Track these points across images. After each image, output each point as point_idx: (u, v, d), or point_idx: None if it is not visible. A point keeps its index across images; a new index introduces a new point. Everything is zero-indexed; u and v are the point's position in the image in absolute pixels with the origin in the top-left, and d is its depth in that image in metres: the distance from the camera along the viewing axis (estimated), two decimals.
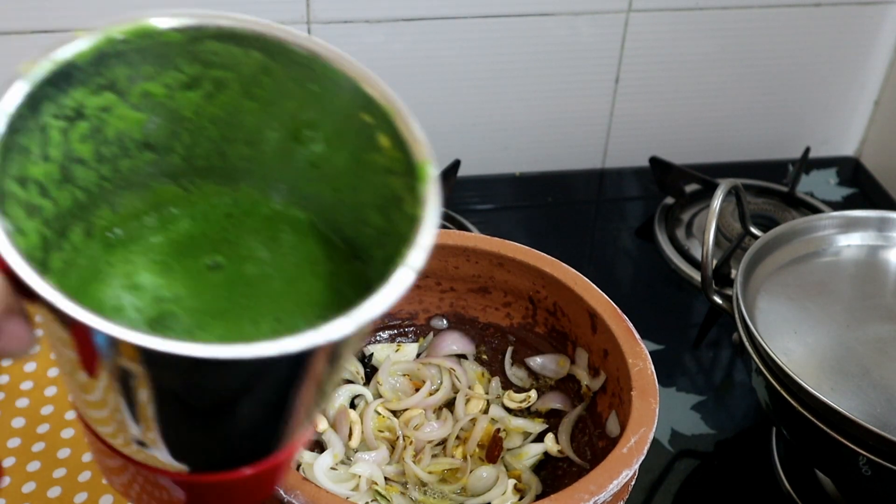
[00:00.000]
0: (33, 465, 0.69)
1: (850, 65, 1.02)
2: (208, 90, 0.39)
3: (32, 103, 0.33)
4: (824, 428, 0.57)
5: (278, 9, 0.86)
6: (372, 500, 0.58)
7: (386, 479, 0.60)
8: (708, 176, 0.95)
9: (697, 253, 0.90)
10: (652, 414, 0.53)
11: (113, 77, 0.36)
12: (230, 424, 0.35)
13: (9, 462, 0.69)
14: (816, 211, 0.95)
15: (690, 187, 0.97)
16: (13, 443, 0.70)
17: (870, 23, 0.99)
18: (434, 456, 0.61)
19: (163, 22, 0.36)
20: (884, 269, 0.71)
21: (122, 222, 0.40)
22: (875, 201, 1.01)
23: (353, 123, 0.39)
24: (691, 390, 0.77)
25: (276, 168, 0.42)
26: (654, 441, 0.63)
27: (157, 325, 0.37)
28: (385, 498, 0.58)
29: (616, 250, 0.93)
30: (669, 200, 0.97)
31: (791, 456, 0.71)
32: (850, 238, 0.72)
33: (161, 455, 0.35)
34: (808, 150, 0.99)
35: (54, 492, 0.67)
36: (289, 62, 0.39)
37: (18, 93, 0.33)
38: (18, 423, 0.72)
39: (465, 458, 0.61)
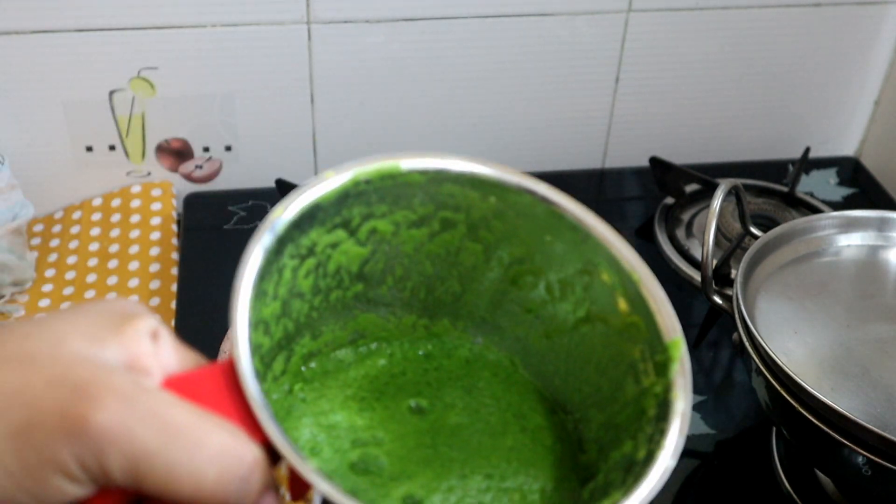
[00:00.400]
0: None
1: (850, 65, 1.02)
2: (434, 229, 0.39)
3: (279, 247, 0.33)
4: (824, 428, 0.57)
5: (278, 9, 0.86)
6: None
7: None
8: (708, 176, 0.95)
9: (697, 253, 0.90)
10: None
11: (349, 216, 0.37)
12: None
13: None
14: (816, 211, 0.94)
15: (690, 187, 0.97)
16: None
17: (870, 23, 0.99)
18: None
19: (407, 164, 0.36)
20: (884, 269, 0.71)
21: (321, 350, 0.39)
22: (875, 201, 1.01)
23: (585, 279, 0.38)
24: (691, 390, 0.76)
25: (485, 308, 0.41)
26: None
27: (358, 468, 0.36)
28: None
29: None
30: (669, 200, 0.97)
31: (791, 456, 0.71)
32: (850, 238, 0.72)
33: None
34: (808, 150, 0.99)
35: None
36: (524, 210, 0.38)
37: (270, 238, 0.33)
38: None
39: None
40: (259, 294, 0.32)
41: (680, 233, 0.93)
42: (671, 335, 0.36)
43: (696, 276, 0.87)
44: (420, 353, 0.42)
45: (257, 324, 0.33)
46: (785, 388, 0.59)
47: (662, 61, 0.98)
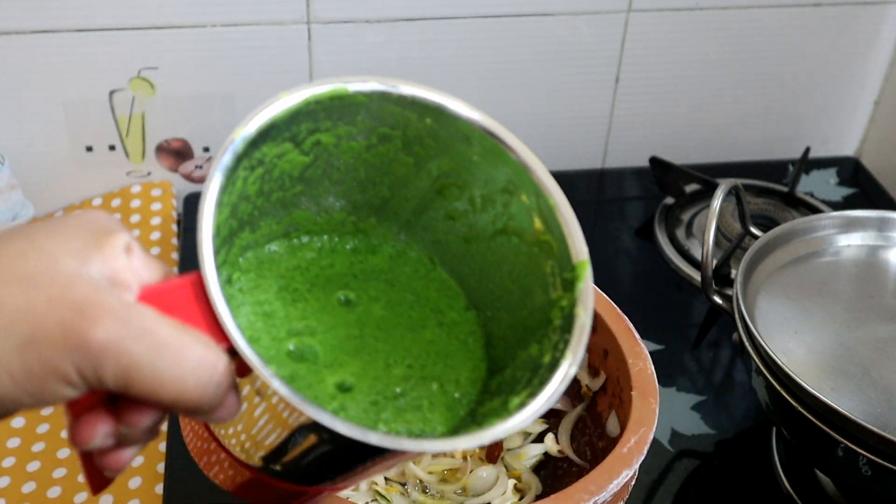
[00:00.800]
0: (33, 465, 0.69)
1: (850, 65, 1.02)
2: (372, 142, 0.42)
3: (235, 164, 0.36)
4: (824, 428, 0.57)
5: (278, 9, 0.86)
6: (372, 501, 0.58)
7: (386, 479, 0.60)
8: (708, 176, 0.95)
9: (697, 253, 0.90)
10: (652, 414, 0.53)
11: (297, 131, 0.39)
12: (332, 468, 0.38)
13: (8, 462, 0.69)
14: (816, 211, 0.95)
15: (690, 187, 0.97)
16: (13, 443, 0.70)
17: (870, 23, 0.99)
18: (434, 456, 0.61)
19: (354, 86, 0.39)
20: (884, 269, 0.71)
21: (257, 241, 0.43)
22: (875, 201, 1.01)
23: (506, 197, 0.42)
24: (691, 390, 0.77)
25: (410, 211, 0.45)
26: (654, 441, 0.63)
27: (294, 355, 0.41)
28: (385, 498, 0.58)
29: (616, 250, 0.93)
30: (669, 200, 0.97)
31: (791, 456, 0.71)
32: (850, 238, 0.72)
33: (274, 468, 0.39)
34: (808, 150, 0.99)
35: (54, 492, 0.67)
36: (457, 132, 0.41)
37: (230, 158, 0.36)
38: (18, 423, 0.72)
39: (465, 458, 0.61)
40: (218, 203, 0.35)
41: (680, 233, 0.93)
42: (579, 257, 0.40)
43: (696, 276, 0.87)
44: (348, 247, 0.45)
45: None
46: (785, 388, 0.59)
47: (662, 61, 0.98)
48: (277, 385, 0.32)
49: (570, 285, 0.40)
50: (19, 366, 0.29)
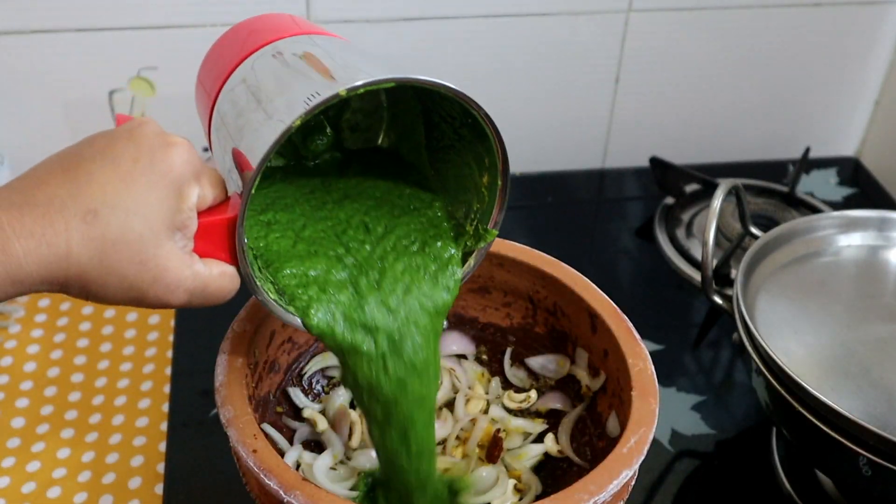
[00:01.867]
0: (33, 466, 0.69)
1: (850, 65, 1.02)
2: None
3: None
4: (824, 428, 0.57)
5: (278, 8, 0.86)
6: None
7: None
8: (708, 176, 0.95)
9: (697, 253, 0.90)
10: (652, 414, 0.53)
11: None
12: None
13: (8, 462, 0.69)
14: (817, 211, 0.95)
15: (690, 187, 0.97)
16: (13, 443, 0.70)
17: (870, 23, 0.99)
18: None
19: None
20: (884, 269, 0.71)
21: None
22: (875, 201, 1.01)
23: (477, 146, 0.52)
24: (691, 390, 0.77)
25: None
26: (655, 441, 0.63)
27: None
28: None
29: (616, 250, 0.93)
30: (669, 200, 0.97)
31: (791, 456, 0.71)
32: (851, 238, 0.72)
33: None
34: (808, 150, 0.99)
35: (54, 492, 0.67)
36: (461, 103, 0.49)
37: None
38: (18, 423, 0.72)
39: (465, 458, 0.61)
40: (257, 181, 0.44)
41: (680, 233, 0.93)
42: (493, 227, 0.52)
43: (696, 276, 0.87)
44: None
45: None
46: (785, 388, 0.59)
47: (662, 61, 0.98)
48: (263, 298, 0.48)
49: (479, 237, 0.52)
50: (124, 303, 0.44)
